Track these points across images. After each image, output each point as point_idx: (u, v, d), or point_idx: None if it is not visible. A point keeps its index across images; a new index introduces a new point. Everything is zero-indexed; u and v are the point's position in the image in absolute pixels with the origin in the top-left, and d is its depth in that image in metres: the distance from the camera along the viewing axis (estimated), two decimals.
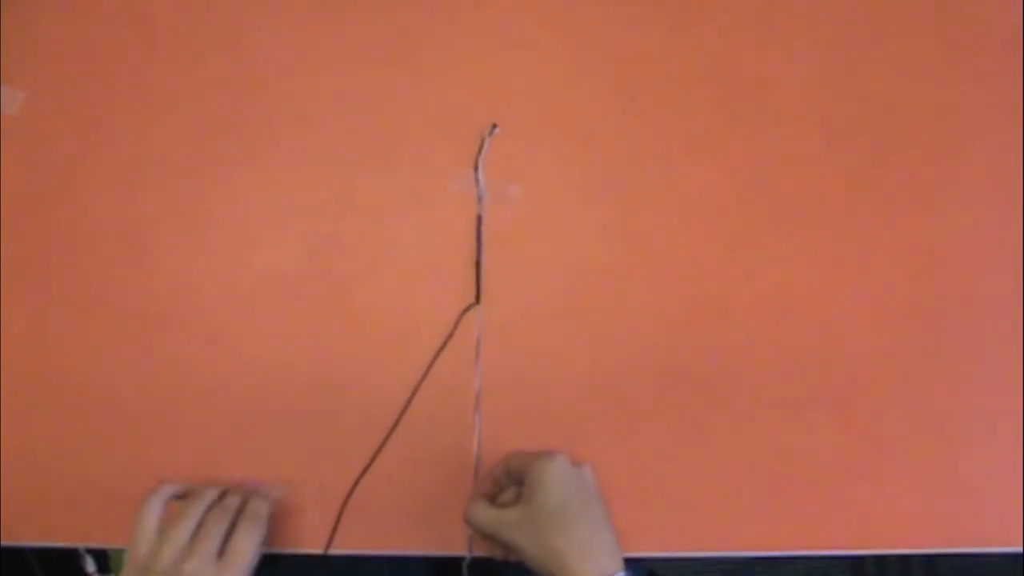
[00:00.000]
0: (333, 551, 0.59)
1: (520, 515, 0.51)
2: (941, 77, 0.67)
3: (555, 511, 0.51)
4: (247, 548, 0.53)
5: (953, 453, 0.61)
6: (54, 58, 0.66)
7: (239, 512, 0.55)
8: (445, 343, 0.61)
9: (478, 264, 0.62)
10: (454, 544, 0.59)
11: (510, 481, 0.56)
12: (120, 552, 0.88)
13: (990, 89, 0.66)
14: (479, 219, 0.63)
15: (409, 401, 0.61)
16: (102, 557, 0.86)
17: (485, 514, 0.53)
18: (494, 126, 0.64)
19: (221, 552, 0.53)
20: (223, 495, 0.56)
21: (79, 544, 0.63)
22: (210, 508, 0.55)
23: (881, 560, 1.02)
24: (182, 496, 0.56)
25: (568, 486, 0.52)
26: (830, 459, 0.61)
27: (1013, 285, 0.63)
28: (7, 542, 0.61)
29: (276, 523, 0.59)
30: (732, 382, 0.62)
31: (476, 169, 0.64)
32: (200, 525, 0.53)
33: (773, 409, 0.62)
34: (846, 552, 0.61)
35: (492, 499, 0.56)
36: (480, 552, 0.58)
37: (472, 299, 0.62)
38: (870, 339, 0.63)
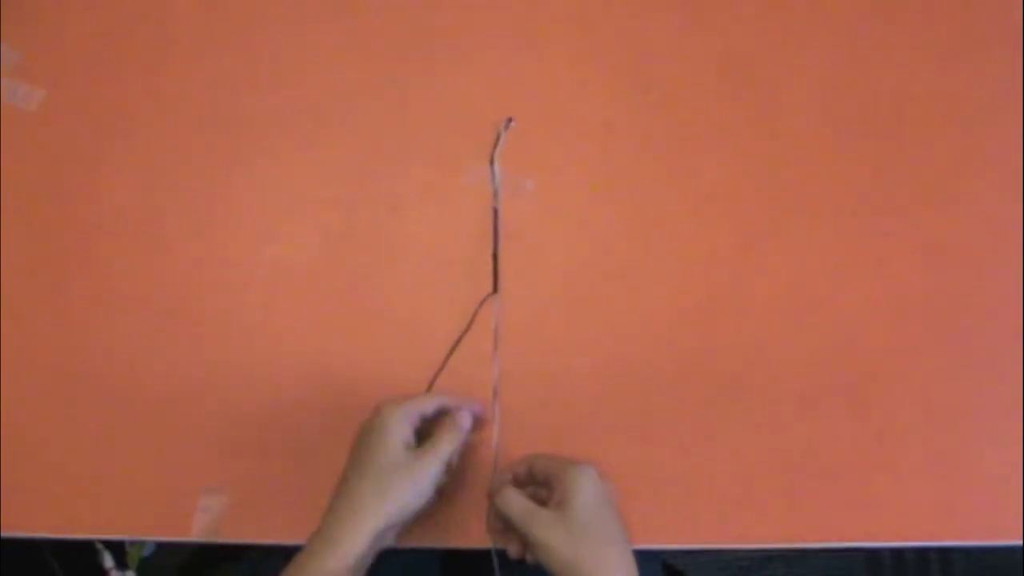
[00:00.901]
0: None
1: (556, 515, 0.52)
2: (955, 72, 0.67)
3: (592, 519, 0.51)
4: (442, 450, 0.53)
5: (969, 446, 0.61)
6: (74, 55, 0.66)
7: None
8: (463, 335, 0.61)
9: (495, 256, 0.62)
10: (472, 536, 0.59)
11: (531, 481, 0.57)
12: (136, 548, 0.89)
13: (1005, 83, 0.67)
14: (495, 213, 0.63)
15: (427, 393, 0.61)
16: (119, 552, 0.86)
17: (521, 504, 0.53)
18: (510, 120, 0.64)
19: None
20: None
21: (96, 536, 0.63)
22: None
23: (898, 554, 1.02)
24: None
25: (601, 499, 0.53)
26: (845, 452, 0.61)
27: None
28: (24, 534, 0.61)
29: (292, 515, 0.60)
30: (747, 375, 0.62)
31: (492, 163, 0.64)
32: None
33: (788, 402, 0.61)
34: (862, 544, 0.61)
35: None
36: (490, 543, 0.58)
37: (489, 291, 0.62)
38: (885, 333, 0.63)
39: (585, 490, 0.52)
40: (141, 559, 0.90)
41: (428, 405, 0.56)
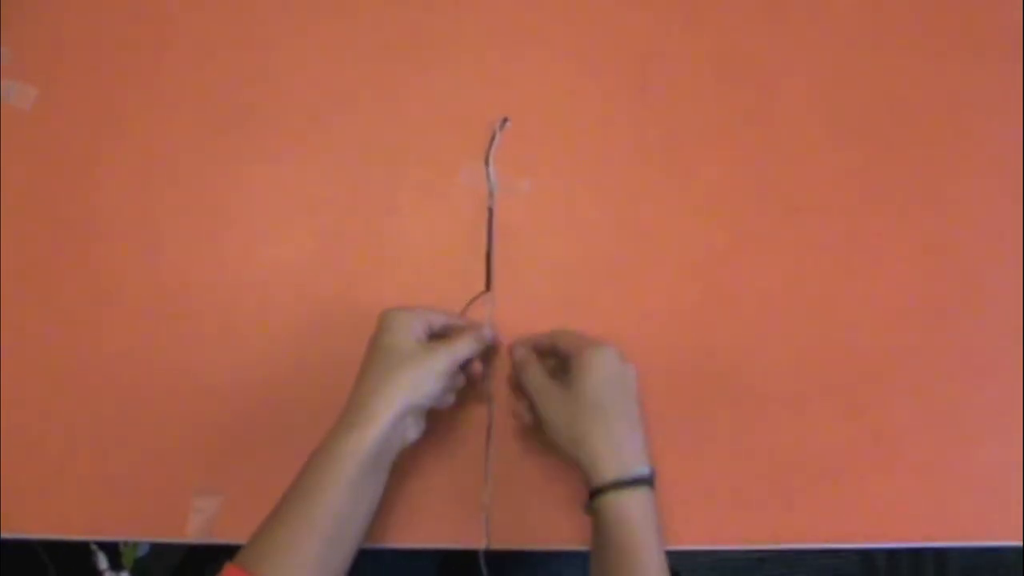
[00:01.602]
0: None
1: (563, 395, 0.53)
2: (952, 72, 0.67)
3: (596, 401, 0.52)
4: (458, 349, 0.54)
5: (962, 447, 0.61)
6: (68, 53, 0.66)
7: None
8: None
9: (488, 256, 0.62)
10: (467, 537, 0.59)
11: (553, 355, 0.57)
12: (131, 549, 0.89)
13: (1001, 83, 0.67)
14: (490, 212, 0.63)
15: None
16: (114, 554, 0.86)
17: (540, 380, 0.55)
18: (505, 120, 0.64)
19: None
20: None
21: (90, 537, 0.63)
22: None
23: (892, 555, 1.02)
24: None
25: (612, 380, 0.53)
26: (841, 453, 0.61)
27: (1020, 280, 0.63)
28: (17, 535, 0.61)
29: None
30: (741, 375, 0.62)
31: (487, 163, 0.64)
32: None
33: (782, 403, 0.62)
34: (855, 545, 0.61)
35: None
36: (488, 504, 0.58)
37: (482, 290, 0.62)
38: (879, 333, 0.63)
39: (596, 369, 0.53)
40: (135, 560, 0.90)
41: (435, 316, 0.56)
